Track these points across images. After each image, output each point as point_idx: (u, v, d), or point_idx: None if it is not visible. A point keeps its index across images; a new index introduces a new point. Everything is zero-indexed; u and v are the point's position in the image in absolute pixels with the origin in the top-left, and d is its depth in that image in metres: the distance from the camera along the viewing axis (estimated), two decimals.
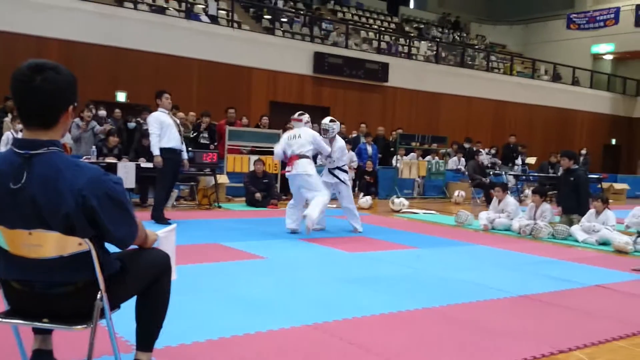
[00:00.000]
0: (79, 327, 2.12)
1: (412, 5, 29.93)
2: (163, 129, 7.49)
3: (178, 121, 8.07)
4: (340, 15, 23.28)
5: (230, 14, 16.77)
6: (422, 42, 22.19)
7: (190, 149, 9.48)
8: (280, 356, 3.00)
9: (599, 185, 14.75)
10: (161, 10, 15.63)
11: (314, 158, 7.77)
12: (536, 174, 15.16)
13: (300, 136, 7.31)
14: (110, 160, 9.27)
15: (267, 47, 16.39)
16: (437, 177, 14.15)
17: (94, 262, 2.06)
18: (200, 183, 10.34)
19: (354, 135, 14.78)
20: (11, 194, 2.01)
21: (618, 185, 16.98)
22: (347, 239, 7.20)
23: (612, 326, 3.82)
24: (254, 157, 11.00)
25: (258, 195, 10.30)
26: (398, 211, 10.69)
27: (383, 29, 23.19)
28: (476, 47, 25.78)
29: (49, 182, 1.99)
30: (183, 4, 16.21)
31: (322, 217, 7.54)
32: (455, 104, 20.12)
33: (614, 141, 25.76)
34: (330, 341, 3.26)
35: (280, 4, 20.49)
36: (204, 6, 16.67)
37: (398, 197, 11.32)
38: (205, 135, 11.56)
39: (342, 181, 7.68)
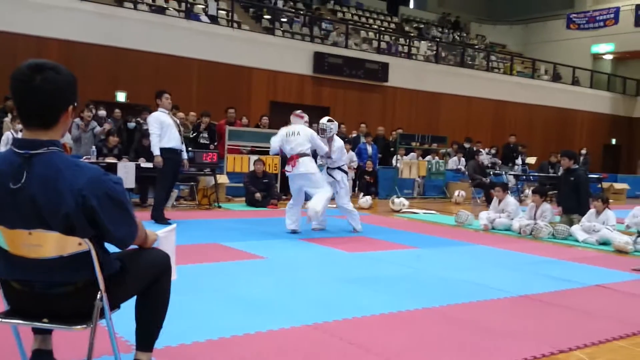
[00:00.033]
0: (79, 327, 2.12)
1: (412, 5, 29.91)
2: (163, 129, 7.49)
3: (178, 121, 8.07)
4: (340, 15, 23.26)
5: (230, 14, 16.76)
6: (422, 42, 22.18)
7: (190, 149, 9.49)
8: (280, 356, 3.00)
9: (599, 185, 14.75)
10: (161, 10, 15.63)
11: (314, 158, 7.77)
12: (536, 174, 15.16)
13: (299, 133, 7.27)
14: (110, 160, 9.27)
15: (267, 47, 16.38)
16: (437, 177, 14.15)
17: (93, 262, 2.06)
18: (200, 183, 10.34)
19: (354, 135, 14.76)
20: (11, 194, 2.01)
21: (618, 185, 16.99)
22: (347, 239, 7.20)
23: (612, 326, 3.82)
24: (253, 157, 11.00)
25: (258, 195, 10.30)
26: (398, 211, 10.69)
27: (383, 29, 23.18)
28: (476, 47, 25.76)
29: (49, 182, 1.99)
30: (183, 4, 16.20)
31: (323, 217, 7.55)
32: (455, 104, 20.11)
33: (614, 141, 25.76)
34: (330, 341, 3.26)
35: (280, 4, 20.48)
36: (203, 6, 16.66)
37: (398, 197, 11.32)
38: (205, 135, 11.55)
39: (339, 181, 7.69)
